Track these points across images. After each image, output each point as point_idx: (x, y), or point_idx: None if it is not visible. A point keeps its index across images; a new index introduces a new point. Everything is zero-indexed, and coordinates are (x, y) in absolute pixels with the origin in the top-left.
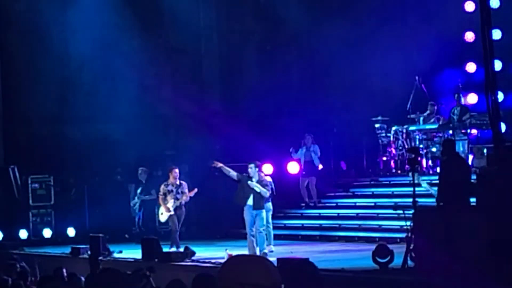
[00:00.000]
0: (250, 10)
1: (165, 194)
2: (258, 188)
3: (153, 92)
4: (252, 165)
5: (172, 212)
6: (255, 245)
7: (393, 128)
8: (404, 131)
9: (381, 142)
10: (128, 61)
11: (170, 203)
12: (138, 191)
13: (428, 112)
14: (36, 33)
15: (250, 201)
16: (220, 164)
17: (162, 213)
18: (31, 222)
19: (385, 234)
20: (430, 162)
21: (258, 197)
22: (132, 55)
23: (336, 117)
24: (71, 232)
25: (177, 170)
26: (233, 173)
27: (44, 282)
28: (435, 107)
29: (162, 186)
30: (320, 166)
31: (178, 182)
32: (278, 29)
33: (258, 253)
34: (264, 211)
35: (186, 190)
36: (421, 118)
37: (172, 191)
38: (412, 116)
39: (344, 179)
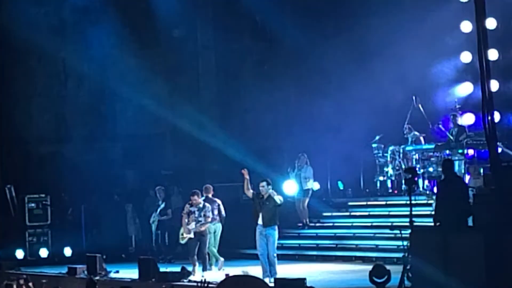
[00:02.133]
0: (247, 30)
1: (188, 214)
2: (278, 199)
3: (150, 111)
4: (264, 183)
5: (192, 236)
6: (266, 268)
7: (390, 148)
8: (401, 151)
9: (378, 162)
10: (126, 80)
11: (191, 226)
12: (161, 207)
13: (409, 136)
14: (34, 52)
15: (260, 221)
16: (247, 176)
17: (182, 234)
18: (28, 241)
19: (382, 254)
20: (427, 182)
21: (270, 214)
22: (130, 75)
23: (333, 137)
24: (67, 252)
25: (195, 196)
26: (251, 192)
27: None
28: (411, 129)
29: (187, 205)
30: (317, 186)
31: (201, 205)
32: (275, 48)
33: (267, 277)
34: (276, 232)
35: (210, 214)
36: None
37: (194, 212)
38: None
39: (341, 199)
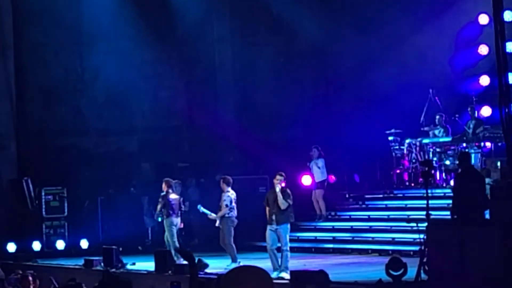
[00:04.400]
0: (263, 23)
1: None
2: (281, 203)
3: (167, 104)
4: (278, 177)
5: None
6: (275, 262)
7: (407, 141)
8: (418, 144)
9: (395, 155)
10: (142, 73)
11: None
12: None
13: (437, 124)
14: (50, 45)
15: (272, 218)
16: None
17: None
18: (45, 234)
19: (399, 247)
20: (443, 175)
21: (282, 213)
22: (146, 67)
23: (350, 130)
24: (84, 244)
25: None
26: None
27: None
28: (443, 118)
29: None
30: (333, 179)
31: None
32: (292, 41)
33: (277, 271)
34: (287, 226)
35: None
36: (436, 131)
37: None
38: (426, 129)
39: (358, 192)
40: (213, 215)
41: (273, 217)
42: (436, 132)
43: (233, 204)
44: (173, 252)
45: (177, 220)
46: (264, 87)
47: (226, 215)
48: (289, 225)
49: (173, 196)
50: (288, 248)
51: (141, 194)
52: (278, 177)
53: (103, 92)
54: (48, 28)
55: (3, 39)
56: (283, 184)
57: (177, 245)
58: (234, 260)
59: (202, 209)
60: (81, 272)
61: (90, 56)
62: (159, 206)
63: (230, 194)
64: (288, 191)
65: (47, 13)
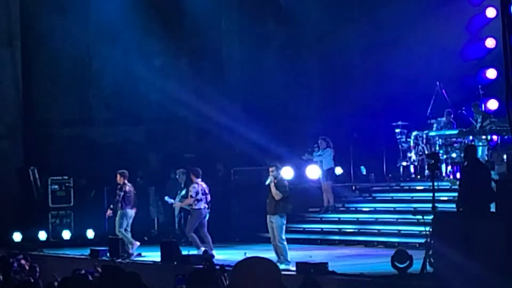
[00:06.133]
0: (271, 14)
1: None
2: (274, 194)
3: (174, 95)
4: (271, 168)
5: None
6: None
7: (413, 134)
8: (424, 136)
9: (401, 147)
10: (150, 63)
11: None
12: (182, 193)
13: (445, 120)
14: (58, 35)
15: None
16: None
17: None
18: (50, 223)
19: (404, 239)
20: (450, 168)
21: (272, 203)
22: (153, 58)
23: (357, 122)
24: (90, 234)
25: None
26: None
27: (65, 283)
28: (452, 116)
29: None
30: (339, 171)
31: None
32: (299, 33)
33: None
34: (280, 218)
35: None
36: (440, 125)
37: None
38: (432, 121)
39: (364, 184)
40: (177, 203)
41: (268, 207)
42: (441, 125)
43: (200, 195)
44: (126, 240)
45: (131, 212)
46: (271, 79)
47: (194, 207)
48: (282, 217)
49: (128, 187)
50: (283, 241)
51: (148, 185)
52: (270, 168)
53: (110, 82)
54: (56, 17)
55: (10, 28)
56: (289, 174)
57: (126, 235)
58: (198, 247)
59: (167, 199)
60: (86, 262)
61: (97, 46)
62: (117, 199)
63: (197, 185)
64: (285, 182)
65: (55, 3)
